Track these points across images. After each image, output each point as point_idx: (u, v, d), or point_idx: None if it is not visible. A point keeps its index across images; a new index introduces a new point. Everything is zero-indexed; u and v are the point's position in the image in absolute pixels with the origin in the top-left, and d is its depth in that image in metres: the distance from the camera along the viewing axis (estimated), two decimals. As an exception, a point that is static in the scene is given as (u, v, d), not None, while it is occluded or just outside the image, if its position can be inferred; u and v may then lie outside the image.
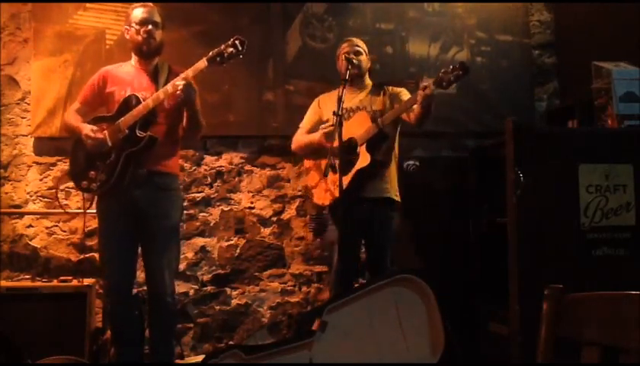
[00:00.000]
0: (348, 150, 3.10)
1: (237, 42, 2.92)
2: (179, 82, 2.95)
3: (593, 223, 2.80)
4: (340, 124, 2.96)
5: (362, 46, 3.43)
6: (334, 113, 2.99)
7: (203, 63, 2.97)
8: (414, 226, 3.68)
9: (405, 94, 3.37)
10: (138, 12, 3.14)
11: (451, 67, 3.04)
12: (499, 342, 3.22)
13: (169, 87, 2.99)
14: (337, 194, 3.20)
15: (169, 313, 3.16)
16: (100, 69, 3.31)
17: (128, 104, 3.05)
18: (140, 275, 3.36)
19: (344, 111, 3.13)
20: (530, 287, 2.70)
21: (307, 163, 3.49)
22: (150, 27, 3.12)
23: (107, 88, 3.19)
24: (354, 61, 3.26)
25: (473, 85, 4.29)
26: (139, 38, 3.14)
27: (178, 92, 2.96)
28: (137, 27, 3.13)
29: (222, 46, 2.94)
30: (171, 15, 3.73)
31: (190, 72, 2.98)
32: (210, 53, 2.95)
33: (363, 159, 3.18)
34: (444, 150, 4.30)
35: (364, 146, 3.19)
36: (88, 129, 3.07)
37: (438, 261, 3.59)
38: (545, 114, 4.26)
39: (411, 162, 3.75)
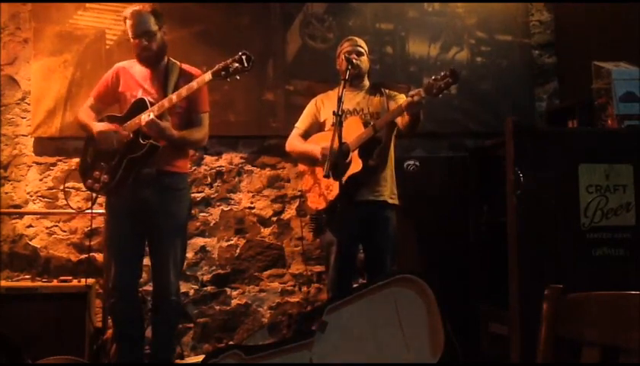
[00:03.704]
0: (340, 156, 3.08)
1: (243, 57, 2.92)
2: (144, 117, 2.98)
3: (593, 223, 2.80)
4: (340, 124, 2.96)
5: (363, 47, 3.42)
6: (333, 112, 2.98)
7: (208, 76, 2.98)
8: (414, 226, 3.67)
9: (402, 99, 3.36)
10: (129, 23, 3.11)
11: (441, 74, 3.00)
12: (499, 342, 3.22)
13: (174, 96, 3.01)
14: (330, 198, 3.20)
15: (173, 312, 3.17)
16: (115, 64, 3.31)
17: (137, 107, 3.07)
18: (141, 275, 3.36)
19: (343, 112, 3.11)
20: (530, 287, 2.70)
21: (301, 167, 3.49)
22: (143, 40, 3.10)
23: (119, 86, 3.21)
24: (354, 61, 3.25)
25: (473, 85, 4.29)
26: (136, 51, 3.14)
27: (144, 128, 2.99)
28: (131, 40, 3.13)
29: (229, 61, 2.94)
30: (171, 15, 3.73)
31: (194, 84, 3.00)
32: (216, 67, 2.95)
33: (355, 165, 3.16)
34: (444, 150, 4.30)
35: (356, 151, 3.18)
36: (99, 127, 3.11)
37: (438, 261, 3.59)
38: (545, 114, 4.25)
39: (411, 162, 3.74)
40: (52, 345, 3.29)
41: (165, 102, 3.00)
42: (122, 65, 3.27)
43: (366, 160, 3.18)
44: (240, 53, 2.93)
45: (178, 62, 3.21)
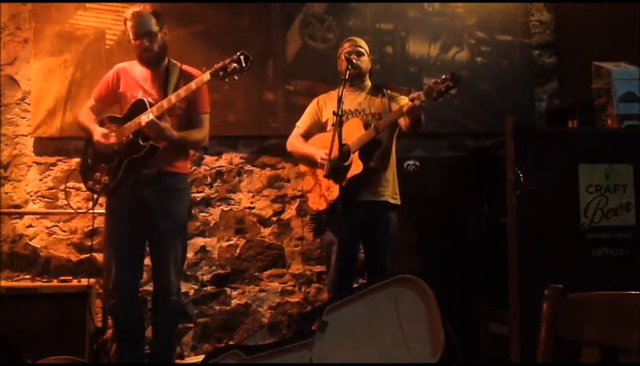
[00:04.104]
0: (341, 157, 3.07)
1: (242, 57, 2.90)
2: (144, 118, 2.97)
3: (593, 223, 2.80)
4: (340, 124, 2.95)
5: (364, 47, 3.42)
6: (333, 113, 2.98)
7: (206, 76, 2.96)
8: (414, 226, 3.67)
9: (403, 100, 3.36)
10: (130, 24, 3.10)
11: (442, 77, 3.00)
12: (499, 342, 3.22)
13: (173, 97, 3.00)
14: (330, 199, 3.20)
15: (174, 312, 3.17)
16: (116, 65, 3.30)
17: (136, 108, 3.06)
18: (141, 275, 3.36)
19: (344, 112, 3.11)
20: (530, 287, 2.70)
21: (302, 167, 3.49)
22: (144, 40, 3.09)
23: (119, 87, 3.20)
24: (354, 61, 3.25)
25: (473, 85, 4.29)
26: (137, 52, 3.13)
27: (145, 129, 2.99)
28: (132, 41, 3.12)
29: (227, 61, 2.92)
30: (171, 15, 3.74)
31: (193, 85, 2.98)
32: (214, 67, 2.94)
33: (356, 167, 3.16)
34: (444, 150, 4.30)
35: (357, 153, 3.18)
36: (99, 134, 3.09)
37: (438, 261, 3.59)
38: (545, 114, 4.25)
39: (411, 162, 3.75)
40: (52, 345, 3.28)
41: (164, 103, 3.00)
42: (122, 65, 3.26)
43: (367, 162, 3.18)
44: (238, 53, 2.92)
45: (179, 63, 3.21)
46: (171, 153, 3.12)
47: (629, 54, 3.32)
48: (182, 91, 3.00)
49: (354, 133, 3.19)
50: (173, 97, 3.00)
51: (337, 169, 3.03)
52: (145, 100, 3.05)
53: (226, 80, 2.96)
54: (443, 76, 3.00)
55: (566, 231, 2.79)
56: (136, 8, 3.12)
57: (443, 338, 2.29)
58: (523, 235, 2.79)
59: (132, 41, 3.12)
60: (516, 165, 2.79)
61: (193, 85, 2.99)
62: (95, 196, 3.22)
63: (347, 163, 3.15)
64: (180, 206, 3.17)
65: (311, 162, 3.36)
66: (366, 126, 3.22)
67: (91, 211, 3.37)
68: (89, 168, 3.15)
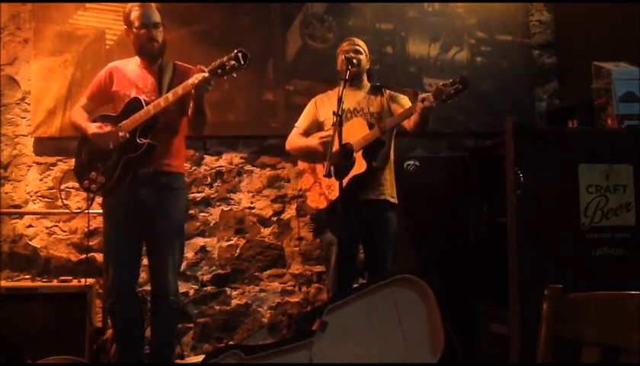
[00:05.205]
0: (344, 156, 3.06)
1: (239, 55, 2.89)
2: (197, 76, 2.91)
3: (593, 223, 2.80)
4: (340, 124, 2.95)
5: (362, 46, 3.43)
6: (333, 112, 2.97)
7: (204, 74, 2.95)
8: (413, 226, 3.67)
9: (404, 99, 3.37)
10: (136, 14, 3.09)
11: (451, 80, 3.00)
12: (499, 342, 3.22)
13: (170, 95, 2.98)
14: (332, 198, 3.20)
15: (172, 312, 3.16)
16: (108, 64, 3.29)
17: (131, 106, 3.04)
18: (140, 275, 3.36)
19: (343, 111, 3.11)
20: (530, 287, 2.70)
21: (301, 165, 3.49)
22: (151, 30, 3.09)
23: (113, 86, 3.18)
24: (353, 60, 3.25)
25: (473, 84, 4.27)
26: (141, 42, 3.12)
27: (194, 83, 2.92)
28: (136, 30, 3.11)
29: (225, 58, 2.90)
30: (171, 15, 3.74)
31: (190, 83, 2.95)
32: (212, 65, 2.92)
33: (359, 166, 3.16)
34: (444, 150, 4.30)
35: (361, 152, 3.18)
36: (93, 127, 3.08)
37: (438, 261, 3.59)
38: (545, 114, 4.26)
39: (411, 162, 3.75)
40: (52, 345, 3.28)
41: (162, 101, 2.99)
42: (115, 64, 3.25)
43: (370, 161, 3.18)
44: (236, 51, 2.90)
45: (172, 61, 3.20)
46: (168, 152, 3.11)
47: (629, 54, 3.32)
48: (179, 90, 2.97)
49: (358, 132, 3.19)
50: (170, 96, 2.98)
51: (338, 168, 3.03)
52: (141, 98, 3.05)
53: (225, 78, 2.95)
54: (452, 79, 3.00)
55: (566, 231, 2.79)
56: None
57: (443, 338, 2.29)
58: (523, 235, 2.79)
59: (137, 30, 3.10)
60: (516, 165, 2.79)
61: (190, 83, 2.97)
62: (92, 196, 3.21)
63: (350, 162, 3.16)
64: (177, 205, 3.16)
65: (310, 156, 3.35)
66: (370, 125, 3.22)
67: (88, 211, 3.36)
68: (84, 168, 3.12)
